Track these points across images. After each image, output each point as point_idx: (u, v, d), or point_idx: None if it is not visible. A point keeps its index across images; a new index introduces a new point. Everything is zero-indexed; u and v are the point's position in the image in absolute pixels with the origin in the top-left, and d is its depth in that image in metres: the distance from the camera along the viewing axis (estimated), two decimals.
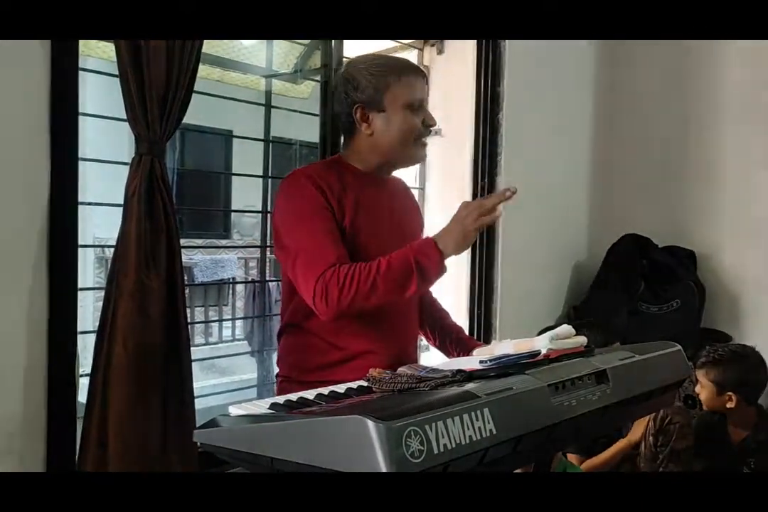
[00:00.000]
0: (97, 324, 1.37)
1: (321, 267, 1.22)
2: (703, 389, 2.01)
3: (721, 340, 2.52)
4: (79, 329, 1.40)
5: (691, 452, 1.96)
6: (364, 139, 1.39)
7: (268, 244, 2.19)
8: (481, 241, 2.38)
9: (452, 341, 1.53)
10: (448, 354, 1.54)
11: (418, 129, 1.38)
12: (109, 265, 1.38)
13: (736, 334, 2.56)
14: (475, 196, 2.37)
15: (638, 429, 2.00)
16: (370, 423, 0.73)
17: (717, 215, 2.67)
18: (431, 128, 1.41)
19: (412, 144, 1.38)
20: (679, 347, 1.29)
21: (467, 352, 1.43)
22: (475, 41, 2.34)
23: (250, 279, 6.45)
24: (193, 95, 1.43)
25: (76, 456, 1.35)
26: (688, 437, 1.94)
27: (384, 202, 1.42)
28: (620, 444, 2.03)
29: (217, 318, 5.77)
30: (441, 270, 1.25)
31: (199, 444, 0.92)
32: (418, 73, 1.39)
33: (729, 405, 1.96)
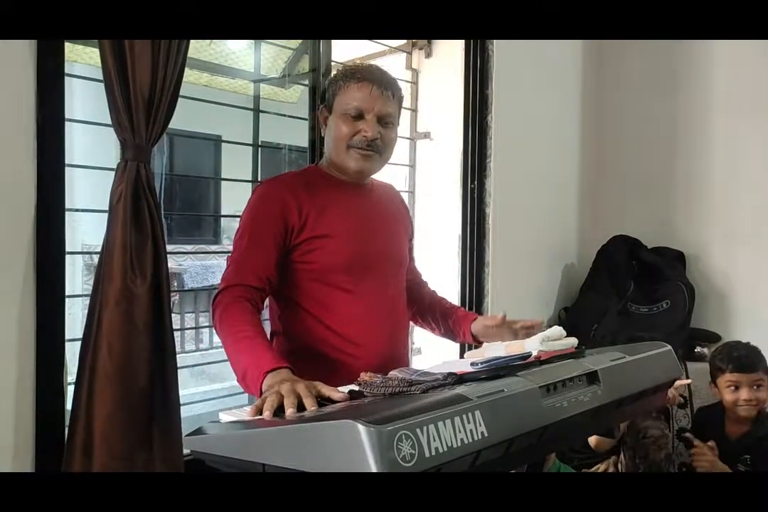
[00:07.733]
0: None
1: (231, 280, 1.29)
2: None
3: (710, 340, 2.55)
4: (67, 337, 1.39)
5: (669, 461, 1.96)
6: (325, 141, 1.42)
7: None
8: (472, 243, 2.38)
9: (454, 321, 1.55)
10: (455, 336, 1.56)
11: (350, 138, 1.33)
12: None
13: (725, 334, 2.58)
14: (465, 198, 2.37)
15: None
16: (362, 428, 0.72)
17: (705, 216, 2.68)
18: (370, 141, 1.33)
19: (344, 152, 1.36)
20: (669, 347, 1.30)
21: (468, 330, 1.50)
22: (463, 44, 2.35)
23: None
24: (182, 100, 1.42)
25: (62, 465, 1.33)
26: (664, 448, 1.94)
27: (360, 208, 1.40)
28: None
29: (207, 324, 5.73)
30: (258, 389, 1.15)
31: (188, 451, 0.92)
32: (370, 82, 1.33)
33: None
